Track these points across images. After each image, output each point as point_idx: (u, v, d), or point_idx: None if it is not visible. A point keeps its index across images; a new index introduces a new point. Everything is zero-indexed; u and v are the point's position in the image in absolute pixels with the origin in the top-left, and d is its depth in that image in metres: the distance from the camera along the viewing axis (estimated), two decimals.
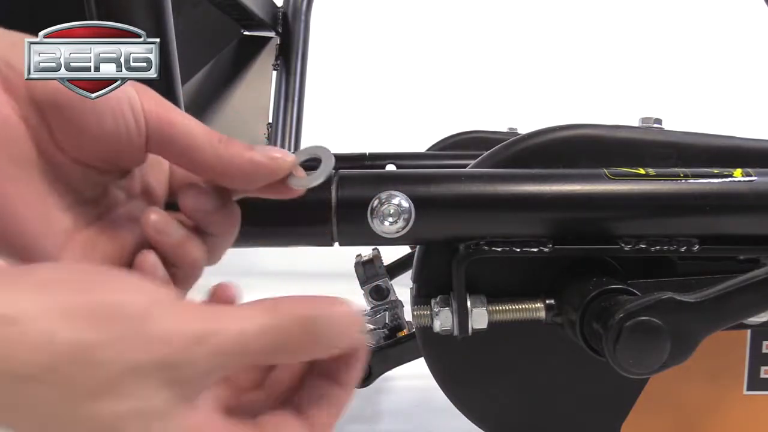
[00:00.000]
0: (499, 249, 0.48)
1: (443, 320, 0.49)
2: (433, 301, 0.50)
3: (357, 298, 0.92)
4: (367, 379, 0.65)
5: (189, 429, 0.27)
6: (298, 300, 0.29)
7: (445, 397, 0.54)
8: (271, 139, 1.18)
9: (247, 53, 1.17)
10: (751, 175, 0.49)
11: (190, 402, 0.27)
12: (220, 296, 0.35)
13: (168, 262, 0.36)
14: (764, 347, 0.53)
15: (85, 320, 0.25)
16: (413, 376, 0.68)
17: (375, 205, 0.47)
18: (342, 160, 1.12)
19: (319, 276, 1.20)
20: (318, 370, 0.32)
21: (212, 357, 0.27)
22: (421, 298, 0.51)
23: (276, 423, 0.30)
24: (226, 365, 0.28)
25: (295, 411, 0.31)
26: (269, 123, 1.19)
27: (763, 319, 0.48)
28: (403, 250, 0.97)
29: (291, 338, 0.28)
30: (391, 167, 1.09)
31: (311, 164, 0.37)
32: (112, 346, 0.25)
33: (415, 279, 0.52)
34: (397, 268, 0.97)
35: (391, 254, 0.95)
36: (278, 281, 1.22)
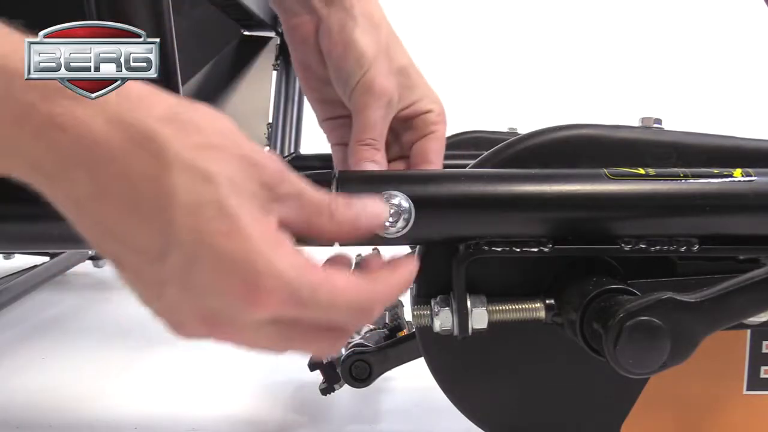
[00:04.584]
0: (499, 249, 0.48)
1: (443, 320, 0.49)
2: (433, 301, 0.50)
3: None
4: (367, 379, 0.65)
5: (252, 225, 0.34)
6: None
7: (445, 397, 0.54)
8: (271, 139, 1.18)
9: (247, 53, 1.17)
10: (751, 175, 0.49)
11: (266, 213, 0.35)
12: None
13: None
14: (764, 347, 0.53)
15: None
16: (413, 376, 0.68)
17: None
18: None
19: None
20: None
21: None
22: (421, 298, 0.51)
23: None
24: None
25: None
26: (269, 123, 1.19)
27: (763, 319, 0.48)
28: (403, 250, 0.97)
29: None
30: None
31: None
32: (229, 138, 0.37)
33: (415, 279, 0.52)
34: None
35: (391, 254, 0.95)
36: None
